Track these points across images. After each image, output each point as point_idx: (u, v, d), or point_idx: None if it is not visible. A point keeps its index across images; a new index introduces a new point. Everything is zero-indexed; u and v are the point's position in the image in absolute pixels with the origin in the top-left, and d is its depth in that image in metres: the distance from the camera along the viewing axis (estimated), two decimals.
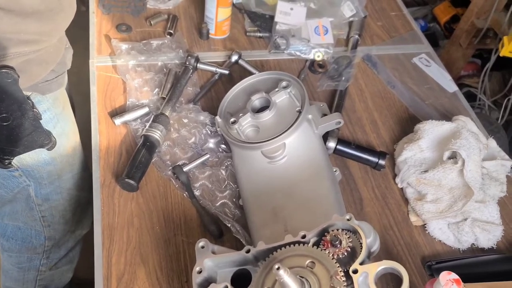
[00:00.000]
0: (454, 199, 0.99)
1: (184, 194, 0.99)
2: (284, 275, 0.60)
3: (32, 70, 0.88)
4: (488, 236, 0.97)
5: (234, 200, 0.99)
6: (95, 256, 0.88)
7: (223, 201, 0.99)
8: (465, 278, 0.80)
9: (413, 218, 1.03)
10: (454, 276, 0.77)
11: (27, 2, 0.78)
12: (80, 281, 1.61)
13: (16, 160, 0.98)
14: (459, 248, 0.98)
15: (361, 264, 0.66)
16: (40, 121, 0.87)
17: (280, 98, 0.99)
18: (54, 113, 1.00)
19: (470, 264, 0.95)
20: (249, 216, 0.93)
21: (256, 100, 1.00)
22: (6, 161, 0.91)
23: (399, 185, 1.07)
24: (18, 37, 0.82)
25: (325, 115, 1.02)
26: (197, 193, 0.99)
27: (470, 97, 2.00)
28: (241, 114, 0.98)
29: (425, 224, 1.01)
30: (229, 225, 0.94)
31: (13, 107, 0.82)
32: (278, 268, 0.59)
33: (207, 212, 0.96)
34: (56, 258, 1.26)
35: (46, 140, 0.89)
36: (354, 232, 0.70)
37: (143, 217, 0.95)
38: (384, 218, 1.02)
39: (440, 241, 0.99)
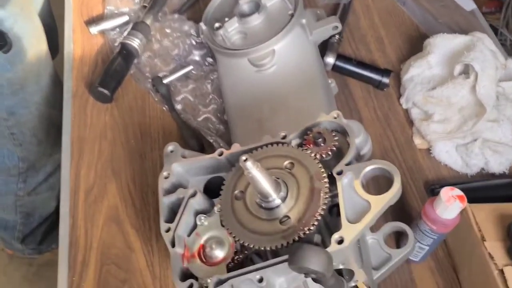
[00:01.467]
0: (464, 119, 0.89)
1: (164, 108, 0.90)
2: (253, 169, 0.51)
3: None
4: (500, 160, 0.87)
5: (218, 115, 0.90)
6: (62, 167, 0.81)
7: (206, 115, 0.90)
8: (471, 202, 0.71)
9: (417, 141, 0.93)
10: (457, 192, 0.68)
11: None
12: None
13: None
14: (467, 173, 0.89)
15: (347, 165, 0.56)
16: None
17: (271, 1, 0.88)
18: (10, 12, 0.90)
19: (477, 187, 0.85)
20: (233, 129, 0.84)
21: (245, 4, 0.90)
22: None
23: (404, 106, 0.97)
24: None
25: None
26: (178, 107, 0.90)
27: None
28: (226, 19, 0.87)
29: (430, 147, 0.91)
30: (211, 141, 0.86)
31: None
32: (245, 160, 0.50)
33: (187, 126, 0.88)
34: (34, 182, 1.20)
35: (0, 41, 0.80)
36: (343, 133, 0.61)
37: (118, 130, 0.87)
38: (385, 140, 0.93)
39: (446, 165, 0.90)
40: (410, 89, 0.95)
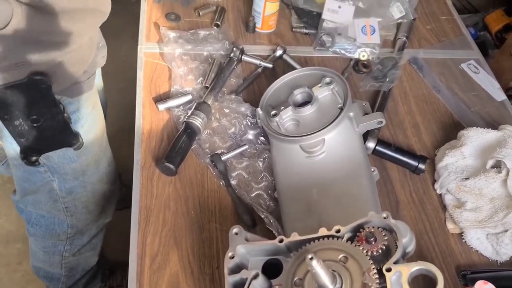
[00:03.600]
0: (495, 209, 0.97)
1: (221, 183, 1.00)
2: (317, 266, 0.60)
3: (65, 73, 0.88)
4: None
5: (269, 192, 1.00)
6: (131, 235, 0.91)
7: (258, 192, 0.99)
8: None
9: (450, 226, 1.00)
10: (491, 286, 0.75)
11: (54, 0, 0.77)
12: (111, 262, 1.65)
13: (42, 157, 1.00)
14: (496, 260, 0.96)
15: (395, 263, 0.65)
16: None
17: (323, 94, 0.99)
18: (84, 113, 1.00)
19: (507, 277, 0.92)
20: (283, 208, 0.93)
21: (299, 95, 1.00)
22: (33, 158, 0.92)
23: (438, 191, 1.05)
24: (48, 38, 0.81)
25: (366, 114, 1.01)
26: (233, 182, 1.00)
27: None
28: (282, 107, 0.98)
29: (462, 233, 0.98)
30: (262, 216, 0.95)
31: (44, 110, 0.83)
32: (311, 258, 0.59)
33: (242, 202, 0.97)
34: (79, 244, 1.28)
35: (74, 140, 0.91)
36: (390, 231, 0.70)
37: (180, 201, 0.97)
38: (420, 223, 1.00)
39: (477, 251, 0.97)
40: (445, 176, 1.04)
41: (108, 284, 1.62)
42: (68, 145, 0.93)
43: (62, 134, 0.89)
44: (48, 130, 0.86)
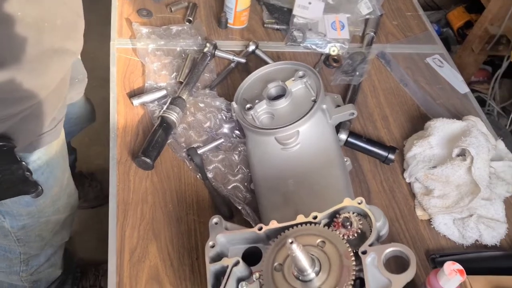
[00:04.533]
0: (460, 195, 1.01)
1: (197, 176, 1.02)
2: (297, 250, 0.62)
3: (30, 127, 0.81)
4: (492, 233, 0.99)
5: (245, 184, 1.02)
6: (109, 229, 0.91)
7: (234, 184, 1.01)
8: (468, 272, 0.82)
9: (419, 212, 1.05)
10: (458, 266, 0.79)
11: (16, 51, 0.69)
12: (83, 262, 1.63)
13: None
14: (463, 244, 1.01)
15: (370, 246, 0.68)
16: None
17: (296, 87, 1.01)
18: (45, 160, 0.93)
19: (473, 259, 0.97)
20: (260, 200, 0.95)
21: (272, 88, 1.03)
22: None
23: (407, 180, 1.09)
24: (12, 95, 0.72)
25: (338, 106, 1.04)
26: (210, 175, 1.02)
27: (480, 103, 1.99)
28: (257, 101, 1.00)
29: (430, 219, 1.03)
30: (240, 208, 0.97)
31: (4, 167, 0.79)
32: (291, 242, 0.62)
33: (219, 194, 0.99)
34: (36, 265, 1.23)
35: (32, 189, 0.87)
36: (365, 216, 0.73)
37: (157, 195, 0.98)
38: (391, 211, 1.04)
39: (445, 235, 1.01)
40: (413, 165, 1.08)
41: (81, 286, 1.59)
42: (25, 193, 0.88)
43: (20, 185, 0.85)
44: (6, 183, 0.82)
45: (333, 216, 0.74)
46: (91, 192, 1.78)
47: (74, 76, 0.98)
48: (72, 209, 1.18)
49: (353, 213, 0.73)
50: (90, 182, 1.79)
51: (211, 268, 0.73)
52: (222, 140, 1.06)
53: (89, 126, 1.44)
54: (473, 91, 2.07)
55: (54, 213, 1.11)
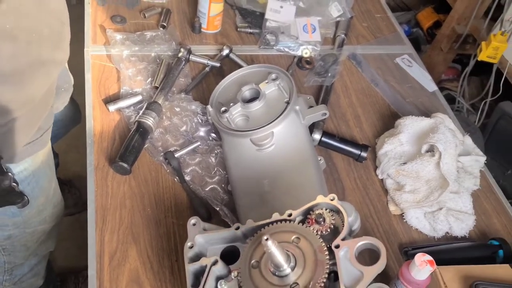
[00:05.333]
0: (430, 190, 1.05)
1: (175, 179, 1.03)
2: (272, 246, 0.64)
3: (15, 138, 0.79)
4: (461, 225, 1.03)
5: (223, 185, 1.04)
6: (88, 234, 0.92)
7: (212, 186, 1.03)
8: (439, 263, 0.86)
9: (392, 208, 1.08)
10: (428, 257, 0.83)
11: None
12: (62, 271, 1.62)
13: None
14: (434, 236, 1.04)
15: (343, 240, 0.70)
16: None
17: (270, 89, 1.04)
18: (31, 170, 0.93)
19: (443, 250, 1.01)
20: (237, 200, 0.97)
21: (247, 91, 1.05)
22: None
23: (380, 176, 1.13)
24: None
25: (311, 107, 1.07)
26: (187, 178, 1.03)
27: (450, 100, 2.08)
28: (231, 104, 1.02)
29: (403, 213, 1.06)
30: (217, 209, 0.99)
31: None
32: (266, 239, 0.64)
33: (196, 196, 1.00)
34: (19, 274, 1.21)
35: (18, 199, 0.87)
36: (337, 212, 0.75)
37: (135, 199, 0.99)
38: (365, 207, 1.08)
39: (417, 229, 1.05)
40: (385, 162, 1.12)
41: None
42: (12, 204, 0.88)
43: (6, 196, 0.85)
44: None
45: (307, 213, 0.76)
46: (70, 199, 1.77)
47: (60, 85, 0.96)
48: (58, 219, 1.18)
49: (326, 209, 0.76)
50: (69, 189, 1.79)
51: (190, 268, 0.75)
52: (199, 143, 1.08)
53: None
54: (443, 89, 2.15)
55: (41, 223, 1.10)
